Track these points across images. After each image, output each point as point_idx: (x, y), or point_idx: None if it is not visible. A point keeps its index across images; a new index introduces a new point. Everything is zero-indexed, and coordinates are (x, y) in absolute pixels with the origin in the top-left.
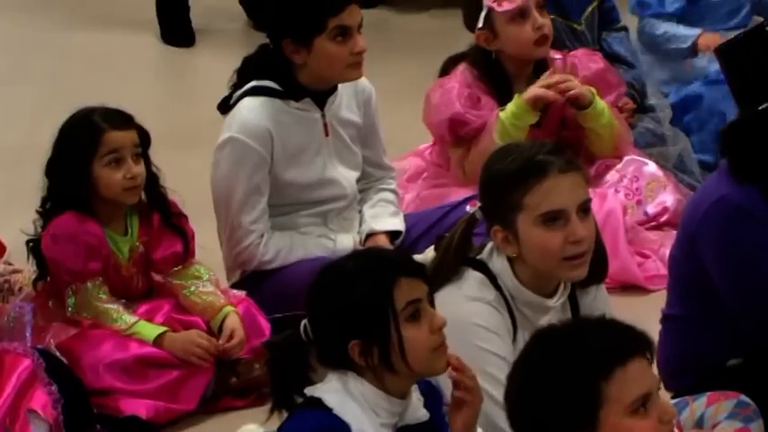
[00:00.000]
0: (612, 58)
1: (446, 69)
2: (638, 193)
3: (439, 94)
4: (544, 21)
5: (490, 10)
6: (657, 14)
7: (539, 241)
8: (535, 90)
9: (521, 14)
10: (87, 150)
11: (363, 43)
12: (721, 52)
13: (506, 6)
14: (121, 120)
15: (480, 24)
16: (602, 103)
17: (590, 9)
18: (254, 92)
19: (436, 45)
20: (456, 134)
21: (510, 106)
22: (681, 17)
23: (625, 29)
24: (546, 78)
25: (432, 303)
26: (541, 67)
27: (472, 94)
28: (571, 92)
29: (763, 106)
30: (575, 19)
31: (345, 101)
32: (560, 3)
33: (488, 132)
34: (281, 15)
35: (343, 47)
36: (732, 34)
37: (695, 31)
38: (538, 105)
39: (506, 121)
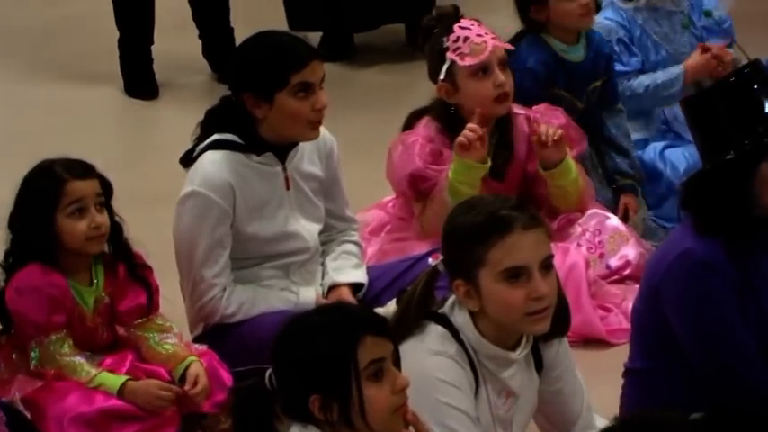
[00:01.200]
0: (608, 143)
1: (409, 124)
2: (600, 247)
3: (400, 150)
4: (505, 79)
5: (453, 63)
6: (625, 73)
7: (501, 297)
8: (459, 138)
9: (482, 70)
10: (50, 201)
11: (325, 99)
12: (686, 105)
13: (469, 61)
14: (83, 169)
15: (442, 76)
16: (570, 161)
17: (592, 87)
18: (217, 145)
19: (398, 99)
20: (417, 189)
21: (453, 164)
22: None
23: (622, 110)
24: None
25: (397, 362)
26: (504, 122)
27: (434, 148)
28: (555, 137)
29: (729, 156)
30: (577, 96)
31: (307, 154)
32: (570, 79)
33: (441, 191)
34: (243, 69)
35: (305, 103)
36: None
37: (678, 69)
38: (466, 149)
39: (454, 179)
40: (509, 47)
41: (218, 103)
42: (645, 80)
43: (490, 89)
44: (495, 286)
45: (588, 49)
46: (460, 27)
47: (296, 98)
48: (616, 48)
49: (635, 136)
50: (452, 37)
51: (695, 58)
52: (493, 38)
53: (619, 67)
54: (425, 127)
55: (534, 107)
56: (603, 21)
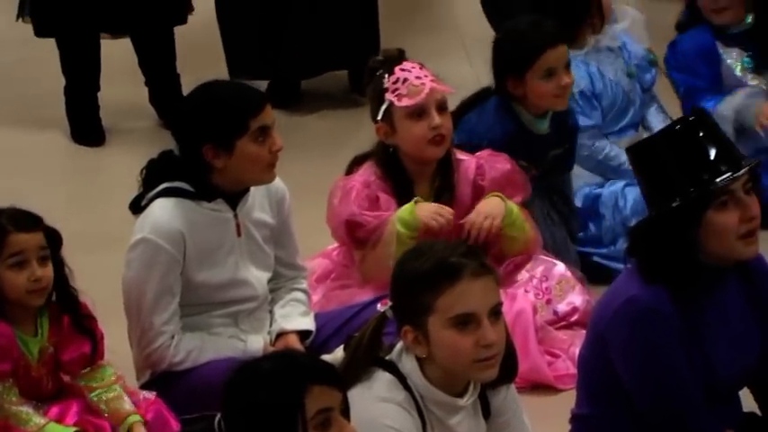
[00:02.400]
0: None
1: (351, 168)
2: (547, 293)
3: (339, 196)
4: (442, 121)
5: (390, 104)
6: (588, 127)
7: (449, 343)
8: (428, 219)
9: (419, 112)
10: None
11: (280, 141)
12: (631, 152)
13: (405, 102)
14: (28, 221)
15: (380, 117)
16: (514, 209)
17: (552, 155)
18: (167, 193)
19: (344, 144)
20: (354, 236)
21: (404, 214)
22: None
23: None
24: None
25: (345, 411)
26: (446, 166)
27: (371, 193)
28: (491, 231)
29: (675, 204)
30: (536, 165)
31: (258, 201)
32: (531, 149)
33: (381, 239)
34: (200, 122)
35: (263, 147)
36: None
37: None
38: (435, 234)
39: (400, 228)
40: (448, 90)
41: (159, 156)
42: (608, 150)
43: (426, 131)
44: (443, 333)
45: (553, 120)
46: (401, 69)
47: (255, 143)
48: (579, 101)
49: (595, 179)
50: (392, 78)
51: None
52: (432, 80)
53: (583, 121)
54: (364, 172)
55: (478, 153)
56: None
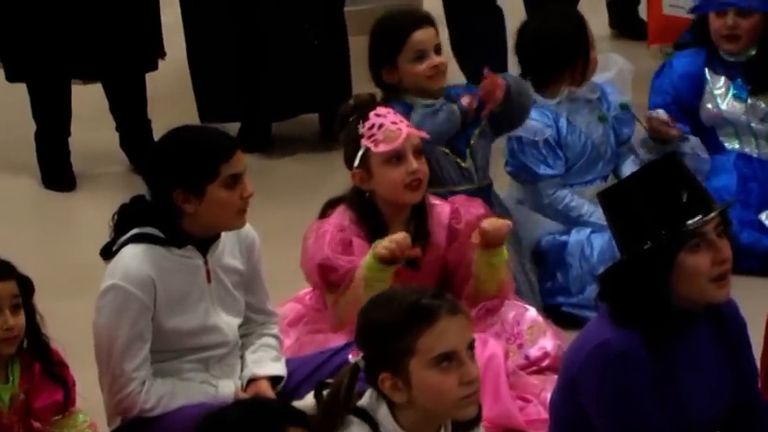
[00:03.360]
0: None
1: (325, 212)
2: (519, 337)
3: (312, 239)
4: (419, 166)
5: (367, 150)
6: (551, 176)
7: (434, 383)
8: (380, 249)
9: (396, 157)
10: None
11: (251, 187)
12: (603, 196)
13: (382, 148)
14: (1, 270)
15: (356, 163)
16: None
17: (473, 140)
18: (137, 239)
19: (315, 188)
20: (327, 280)
21: (367, 258)
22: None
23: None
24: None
25: None
26: (420, 210)
27: (344, 237)
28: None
29: (646, 247)
30: (461, 154)
31: (228, 247)
32: (450, 140)
33: (353, 283)
34: (170, 167)
35: (234, 192)
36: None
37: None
38: (388, 260)
39: (368, 273)
40: (424, 135)
41: (131, 201)
42: (568, 200)
43: (403, 176)
44: (426, 374)
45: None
46: (376, 114)
47: (226, 189)
48: (543, 150)
49: (558, 227)
50: (368, 124)
51: None
52: (408, 125)
53: (544, 170)
54: (338, 215)
55: (451, 198)
56: (529, 122)
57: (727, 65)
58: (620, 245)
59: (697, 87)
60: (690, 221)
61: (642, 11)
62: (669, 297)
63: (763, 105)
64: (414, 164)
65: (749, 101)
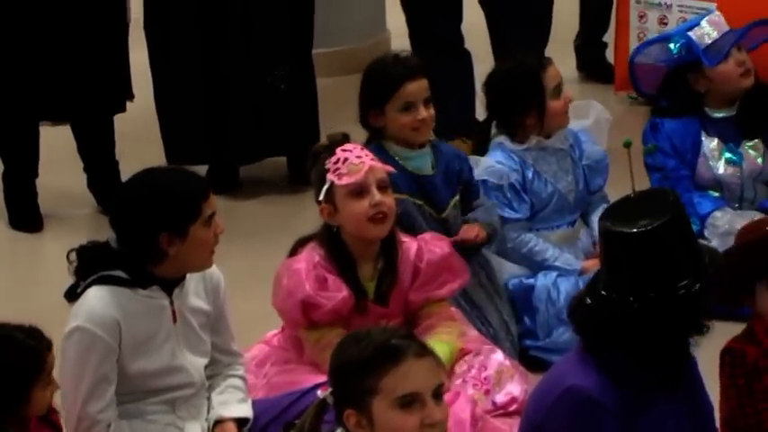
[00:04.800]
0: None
1: (295, 250)
2: (486, 383)
3: (288, 276)
4: (383, 199)
5: (332, 184)
6: (515, 220)
7: (395, 424)
8: None
9: (359, 190)
10: None
11: (223, 224)
12: (635, 239)
13: (346, 180)
14: None
15: (321, 197)
16: (452, 353)
17: (452, 202)
18: (102, 281)
19: (283, 231)
20: (309, 317)
21: None
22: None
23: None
24: None
25: None
26: (390, 246)
27: (319, 275)
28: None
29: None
30: (437, 206)
31: (193, 288)
32: (424, 191)
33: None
34: (156, 210)
35: (210, 230)
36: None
37: (576, 265)
38: None
39: None
40: (389, 169)
41: (91, 244)
42: (533, 245)
43: (366, 209)
44: (389, 414)
45: (438, 162)
46: (342, 150)
47: (205, 227)
48: (508, 194)
49: (523, 270)
50: (333, 159)
51: (592, 262)
52: (372, 159)
53: (509, 214)
54: (308, 252)
55: (420, 235)
56: (495, 165)
57: (717, 124)
58: (648, 287)
59: (696, 150)
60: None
61: (610, 55)
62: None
63: (759, 161)
64: (377, 196)
65: (744, 165)
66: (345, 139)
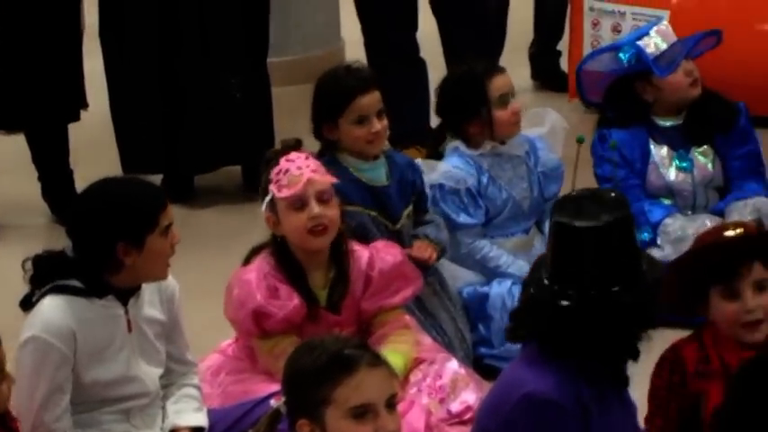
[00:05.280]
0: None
1: (249, 259)
2: (441, 392)
3: (238, 287)
4: (323, 212)
5: (273, 195)
6: (470, 226)
7: None
8: None
9: (298, 203)
10: None
11: (179, 235)
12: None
13: (285, 193)
14: None
15: (264, 208)
16: (405, 365)
17: (406, 213)
18: (57, 290)
19: (238, 240)
20: (261, 327)
21: None
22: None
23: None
24: None
25: None
26: (340, 255)
27: (269, 284)
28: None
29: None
30: (391, 217)
31: (148, 297)
32: (381, 202)
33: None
34: (114, 220)
35: (167, 241)
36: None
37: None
38: None
39: None
40: (329, 180)
41: (46, 254)
42: (487, 251)
43: (305, 221)
44: (341, 424)
45: (392, 173)
46: (286, 159)
47: (162, 237)
48: (464, 199)
49: (478, 278)
50: (276, 169)
51: None
52: (313, 170)
53: (464, 219)
54: (259, 263)
55: (372, 243)
56: (452, 169)
57: (665, 132)
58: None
59: (645, 158)
60: None
61: (564, 63)
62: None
63: (709, 168)
64: (315, 209)
65: (695, 171)
66: (298, 144)
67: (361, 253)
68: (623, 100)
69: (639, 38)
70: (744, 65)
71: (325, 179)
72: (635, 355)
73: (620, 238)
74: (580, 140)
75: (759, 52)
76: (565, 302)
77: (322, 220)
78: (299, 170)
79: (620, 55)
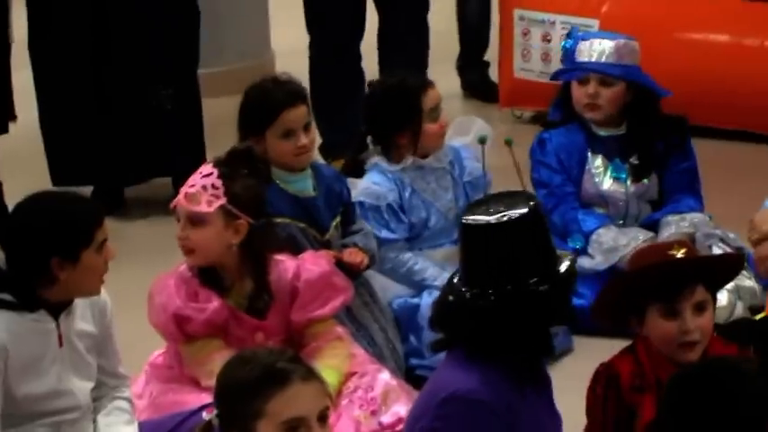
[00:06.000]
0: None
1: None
2: (372, 404)
3: (159, 292)
4: (188, 234)
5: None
6: (393, 240)
7: None
8: None
9: (177, 220)
10: None
11: (114, 250)
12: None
13: (182, 205)
14: None
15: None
16: (335, 383)
17: (335, 224)
18: None
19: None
20: (183, 331)
21: None
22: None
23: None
24: None
25: None
26: (259, 266)
27: (189, 289)
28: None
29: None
30: (321, 227)
31: (80, 311)
32: (309, 213)
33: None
34: (48, 235)
35: (101, 257)
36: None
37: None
38: None
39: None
40: (193, 210)
41: None
42: (411, 264)
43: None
44: None
45: (319, 184)
46: (200, 172)
47: (97, 253)
48: (385, 215)
49: (405, 290)
50: (191, 179)
51: None
52: (189, 192)
53: (386, 234)
54: (180, 269)
55: (301, 254)
56: (372, 186)
57: (604, 142)
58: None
59: (582, 165)
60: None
61: (493, 73)
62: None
63: (645, 180)
64: (180, 230)
65: (629, 183)
66: (248, 152)
67: (288, 264)
68: (566, 106)
69: (591, 39)
70: (673, 74)
71: (190, 207)
72: (550, 352)
73: (528, 232)
74: (508, 142)
75: (688, 61)
76: (483, 302)
77: (184, 241)
78: (182, 188)
79: (563, 42)
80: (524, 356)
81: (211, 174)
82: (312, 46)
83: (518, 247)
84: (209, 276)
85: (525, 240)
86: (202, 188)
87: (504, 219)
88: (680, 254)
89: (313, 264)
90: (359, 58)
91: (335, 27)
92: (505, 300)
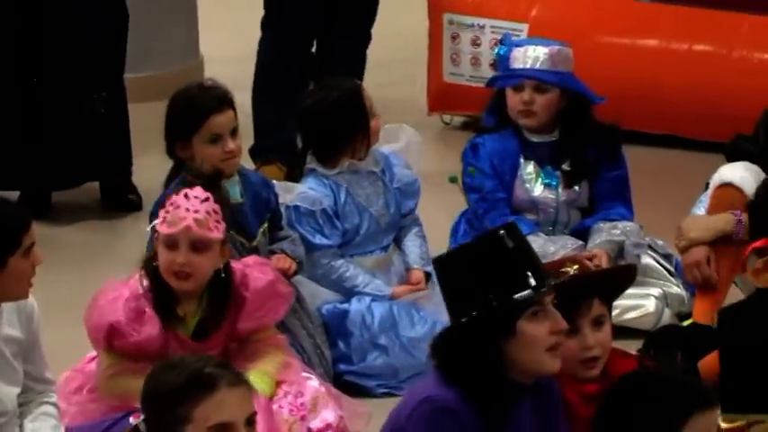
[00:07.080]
0: None
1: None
2: (302, 409)
3: (106, 297)
4: (191, 259)
5: (156, 224)
6: (327, 247)
7: None
8: None
9: (171, 243)
10: None
11: (41, 256)
12: (436, 263)
13: (163, 229)
14: None
15: (148, 228)
16: (267, 390)
17: (262, 230)
18: None
19: (97, 257)
20: (110, 342)
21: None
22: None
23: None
24: None
25: None
26: (217, 286)
27: (138, 306)
28: None
29: (465, 319)
30: (248, 234)
31: (6, 317)
32: (236, 220)
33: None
34: None
35: (28, 261)
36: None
37: (385, 291)
38: None
39: None
40: (205, 236)
41: None
42: (343, 270)
43: (171, 263)
44: None
45: (246, 190)
46: (185, 194)
47: (24, 258)
48: (320, 220)
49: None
50: (172, 198)
51: (403, 288)
52: (196, 219)
53: (320, 240)
54: (135, 282)
55: (245, 259)
56: (308, 191)
57: (536, 148)
58: (450, 311)
59: (514, 171)
60: (517, 295)
61: (422, 78)
62: (502, 365)
63: (576, 187)
64: (181, 256)
65: (560, 190)
66: (217, 178)
67: (233, 269)
68: (499, 111)
69: (525, 46)
70: (601, 79)
71: (203, 233)
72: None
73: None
74: (453, 180)
75: (616, 66)
76: (446, 329)
77: (185, 268)
78: (186, 213)
79: (497, 49)
80: (489, 379)
81: (208, 198)
82: (265, 45)
83: (459, 278)
84: (163, 303)
85: (467, 270)
86: (207, 213)
87: (445, 252)
88: (573, 270)
89: (260, 272)
90: (308, 64)
91: (294, 28)
92: (490, 312)
